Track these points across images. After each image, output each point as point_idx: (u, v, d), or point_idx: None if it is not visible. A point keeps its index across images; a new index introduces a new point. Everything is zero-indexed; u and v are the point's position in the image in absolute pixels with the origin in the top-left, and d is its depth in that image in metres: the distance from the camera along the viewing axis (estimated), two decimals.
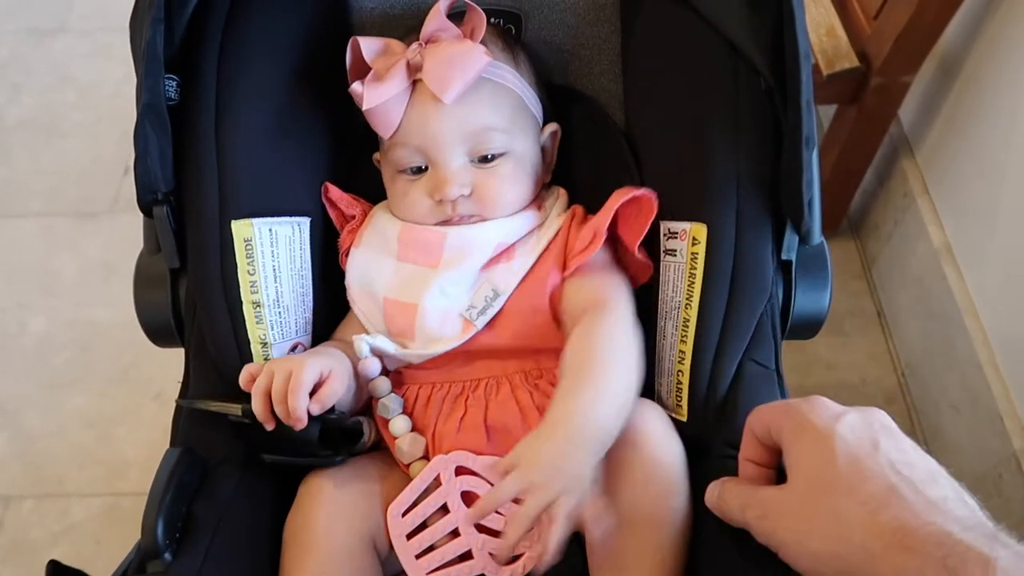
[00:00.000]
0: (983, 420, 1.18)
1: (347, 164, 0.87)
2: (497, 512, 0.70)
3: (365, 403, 0.79)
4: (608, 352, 0.69)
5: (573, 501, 0.60)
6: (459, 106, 0.75)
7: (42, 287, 1.66)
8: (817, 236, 0.70)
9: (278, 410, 0.67)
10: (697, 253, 0.70)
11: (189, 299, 0.75)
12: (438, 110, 0.75)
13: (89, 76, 1.94)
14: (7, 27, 2.10)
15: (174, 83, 0.74)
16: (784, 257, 0.70)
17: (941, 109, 1.32)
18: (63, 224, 1.71)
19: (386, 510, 0.73)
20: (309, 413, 0.68)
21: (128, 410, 1.50)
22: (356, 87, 0.76)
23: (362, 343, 0.75)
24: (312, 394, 0.68)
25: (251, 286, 0.73)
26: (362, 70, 0.77)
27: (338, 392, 0.69)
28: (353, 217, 0.84)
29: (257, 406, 0.67)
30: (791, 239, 0.70)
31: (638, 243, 0.74)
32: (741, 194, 0.69)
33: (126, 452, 1.47)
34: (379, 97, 0.75)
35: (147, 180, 0.71)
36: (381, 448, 0.78)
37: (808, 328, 0.72)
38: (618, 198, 0.74)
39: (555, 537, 0.59)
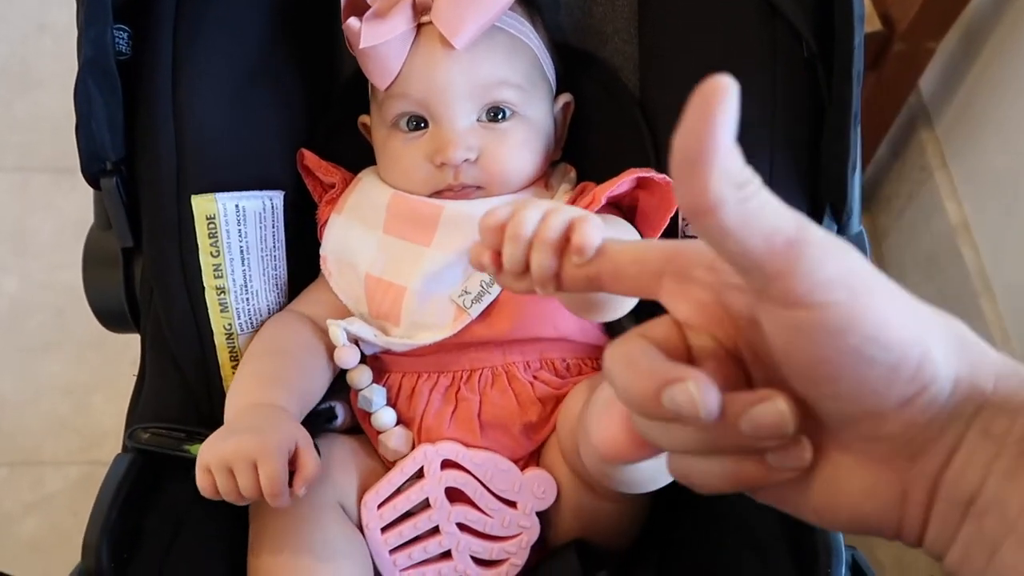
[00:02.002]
0: None
1: (327, 128, 0.75)
2: (483, 512, 0.61)
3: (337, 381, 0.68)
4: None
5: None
6: (471, 54, 0.64)
7: (16, 246, 1.55)
8: (857, 224, 0.60)
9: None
10: None
11: (145, 281, 0.64)
12: (447, 57, 0.63)
13: (67, 23, 1.79)
14: None
15: (125, 35, 0.62)
16: None
17: (964, 79, 1.21)
18: (38, 180, 1.58)
19: (360, 492, 0.64)
20: None
21: (105, 377, 1.41)
22: (352, 23, 0.63)
23: (338, 330, 0.64)
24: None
25: (214, 270, 0.62)
26: (358, 7, 0.65)
27: (317, 461, 0.56)
28: (332, 186, 0.72)
29: (232, 500, 0.54)
30: (828, 227, 0.59)
31: (658, 235, 0.63)
32: (774, 177, 0.59)
33: (103, 421, 1.38)
34: (379, 36, 0.62)
35: (92, 147, 0.60)
36: (358, 433, 0.68)
37: None
38: (630, 172, 0.63)
39: (584, 231, 0.36)
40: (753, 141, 0.59)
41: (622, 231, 0.61)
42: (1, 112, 1.69)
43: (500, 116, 0.66)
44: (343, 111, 0.75)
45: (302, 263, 0.70)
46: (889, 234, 1.40)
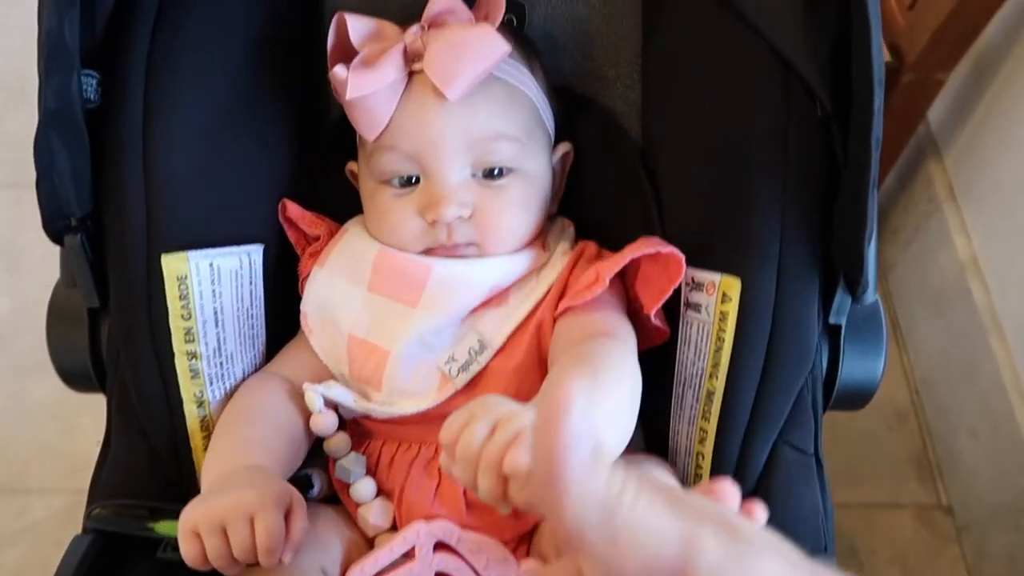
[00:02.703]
0: (1004, 449, 1.05)
1: (311, 176, 0.70)
2: None
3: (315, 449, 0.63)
4: (615, 362, 0.53)
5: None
6: (466, 105, 0.59)
7: (8, 264, 1.50)
8: (872, 294, 0.55)
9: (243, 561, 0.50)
10: (727, 312, 0.55)
11: (112, 343, 0.60)
12: (440, 108, 0.59)
13: None
14: None
15: (94, 81, 0.57)
16: (832, 321, 0.55)
17: (974, 111, 1.17)
18: (32, 197, 1.54)
19: (344, 565, 0.58)
20: None
21: (94, 400, 1.36)
22: (339, 71, 0.58)
23: (315, 395, 0.59)
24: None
25: (185, 334, 0.57)
26: (346, 54, 0.60)
27: (306, 524, 0.51)
28: (317, 238, 0.67)
29: (221, 566, 0.49)
30: (842, 300, 0.54)
31: (656, 307, 0.58)
32: (785, 243, 0.54)
33: (90, 446, 1.33)
34: (367, 86, 0.58)
35: (55, 204, 0.55)
36: (336, 503, 0.63)
37: (855, 401, 0.58)
38: (636, 248, 0.57)
39: (515, 457, 0.38)
40: (763, 203, 0.54)
41: (605, 385, 0.53)
42: None
43: (496, 173, 0.61)
44: (330, 154, 0.69)
45: (282, 319, 0.65)
46: (895, 266, 1.36)
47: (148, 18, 0.59)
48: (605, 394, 0.50)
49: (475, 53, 0.57)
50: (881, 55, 0.47)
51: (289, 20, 0.67)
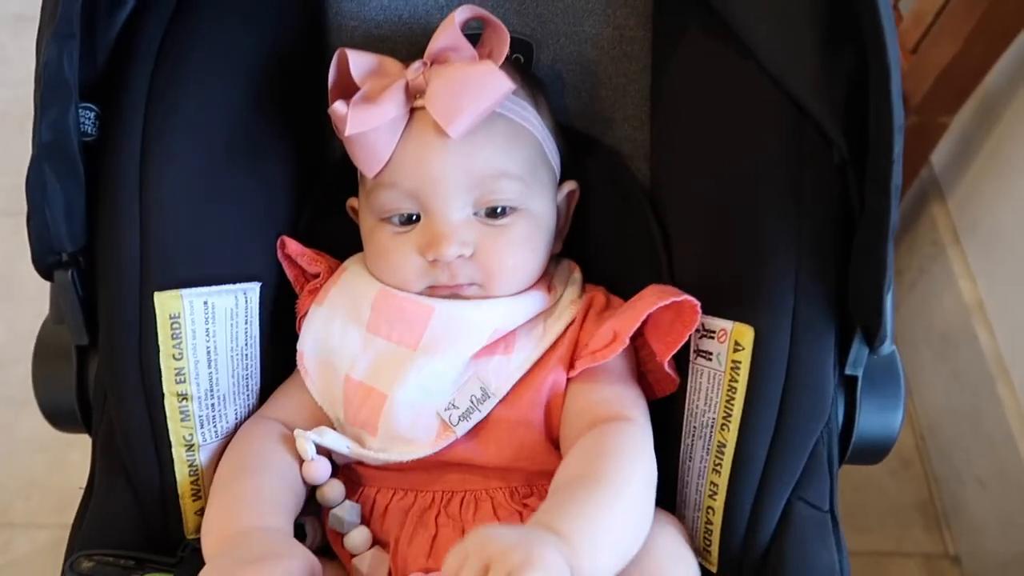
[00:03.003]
0: (1013, 498, 1.02)
1: (312, 214, 0.68)
2: None
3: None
4: (625, 460, 0.51)
5: None
6: (467, 143, 0.57)
7: (1, 293, 1.48)
8: (890, 344, 0.53)
9: None
10: (740, 362, 0.52)
11: (99, 382, 0.57)
12: (441, 146, 0.57)
13: None
14: None
15: (92, 114, 0.55)
16: (849, 372, 0.53)
17: (978, 154, 1.16)
18: None
19: None
20: None
21: (83, 435, 1.33)
22: (339, 107, 0.57)
23: (307, 443, 0.57)
24: None
25: (176, 374, 0.55)
26: (347, 90, 0.58)
27: None
28: (316, 276, 0.65)
29: None
30: (859, 351, 0.52)
31: (670, 355, 0.56)
32: (800, 292, 0.52)
33: (79, 480, 1.30)
34: (367, 122, 0.56)
35: (46, 239, 0.53)
36: (330, 555, 0.60)
37: (872, 456, 0.55)
38: (651, 301, 0.55)
39: None
40: (778, 250, 0.52)
41: (611, 509, 0.49)
42: None
43: (499, 212, 0.59)
44: (333, 192, 0.68)
45: (277, 359, 0.62)
46: (900, 308, 1.34)
47: (150, 52, 0.57)
48: (607, 511, 0.47)
49: (478, 90, 0.56)
50: (900, 100, 0.46)
51: (292, 57, 0.65)
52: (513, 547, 0.40)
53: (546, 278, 0.63)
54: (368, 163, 0.58)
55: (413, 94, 0.57)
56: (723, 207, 0.57)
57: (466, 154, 0.57)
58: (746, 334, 0.52)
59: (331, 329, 0.61)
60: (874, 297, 0.49)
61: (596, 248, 0.67)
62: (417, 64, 0.58)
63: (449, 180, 0.57)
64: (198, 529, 0.55)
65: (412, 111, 0.58)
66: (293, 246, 0.64)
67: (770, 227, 0.53)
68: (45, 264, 0.54)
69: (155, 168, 0.55)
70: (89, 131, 0.55)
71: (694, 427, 0.56)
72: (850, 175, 0.51)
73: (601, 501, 0.47)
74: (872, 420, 0.54)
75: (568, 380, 0.58)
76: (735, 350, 0.53)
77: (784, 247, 0.52)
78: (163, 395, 0.55)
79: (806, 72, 0.52)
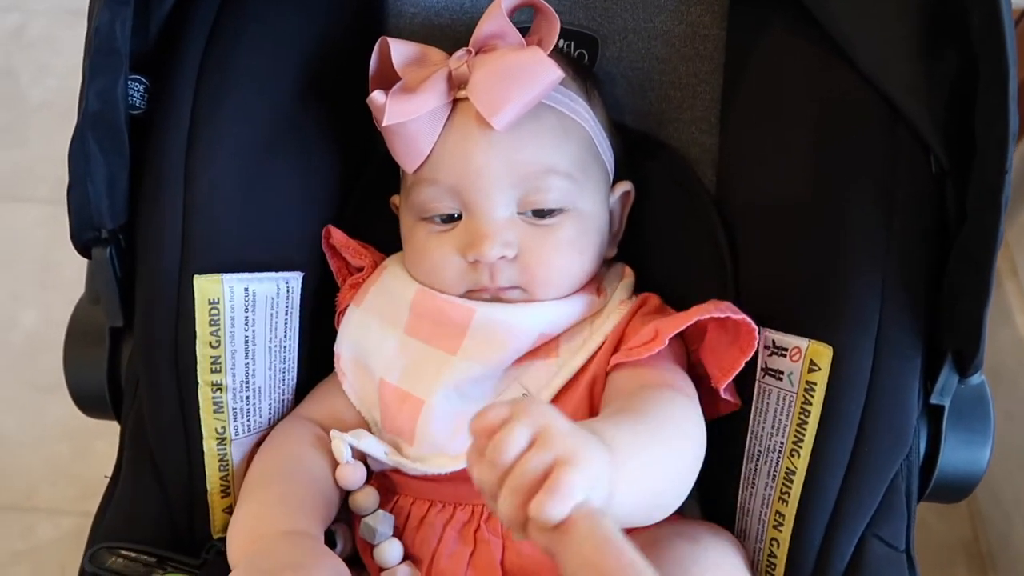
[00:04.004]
0: None
1: (358, 203, 0.64)
2: None
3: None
4: (666, 409, 0.47)
5: (582, 489, 0.34)
6: (513, 136, 0.53)
7: (39, 279, 1.48)
8: (979, 372, 0.48)
9: None
10: (815, 383, 0.47)
11: (132, 367, 0.53)
12: (484, 139, 0.53)
13: None
14: (43, 5, 1.92)
15: (141, 87, 0.52)
16: (934, 401, 0.48)
17: None
18: None
19: None
20: None
21: (111, 424, 1.32)
22: (377, 97, 0.53)
23: (342, 445, 0.53)
24: None
25: (212, 362, 0.51)
26: (388, 79, 0.54)
27: None
28: (360, 269, 0.61)
29: None
30: (948, 378, 0.47)
31: (727, 381, 0.51)
32: (885, 311, 0.47)
33: (105, 469, 1.28)
34: (406, 113, 0.52)
35: (86, 213, 0.50)
36: (360, 566, 0.56)
37: (955, 493, 0.50)
38: (704, 309, 0.51)
39: (545, 507, 0.33)
40: (863, 265, 0.48)
41: (654, 446, 0.45)
42: (41, 145, 1.64)
43: (546, 212, 0.55)
44: (378, 184, 0.64)
45: (317, 355, 0.59)
46: None
47: (204, 28, 0.54)
48: (654, 445, 0.44)
49: (524, 78, 0.51)
50: (1016, 105, 0.41)
51: (345, 45, 0.62)
52: (565, 434, 0.36)
53: (595, 280, 0.59)
54: (407, 157, 0.54)
55: (456, 84, 0.53)
56: (801, 215, 0.52)
57: (511, 148, 0.53)
58: (823, 354, 0.47)
59: (368, 330, 0.58)
60: (974, 318, 0.44)
61: (656, 255, 0.63)
62: (461, 52, 0.54)
63: (492, 175, 0.53)
64: (225, 528, 0.51)
65: (455, 102, 0.54)
66: (339, 236, 0.60)
67: (855, 237, 0.48)
68: (83, 240, 0.51)
69: (202, 148, 0.52)
70: (138, 104, 0.52)
71: (759, 451, 0.51)
72: (949, 186, 0.46)
73: (649, 436, 0.44)
74: (957, 454, 0.49)
75: (606, 373, 0.53)
76: (810, 370, 0.48)
77: (870, 260, 0.47)
78: (197, 384, 0.51)
79: (906, 76, 0.47)
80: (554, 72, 0.52)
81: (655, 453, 0.43)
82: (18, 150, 1.64)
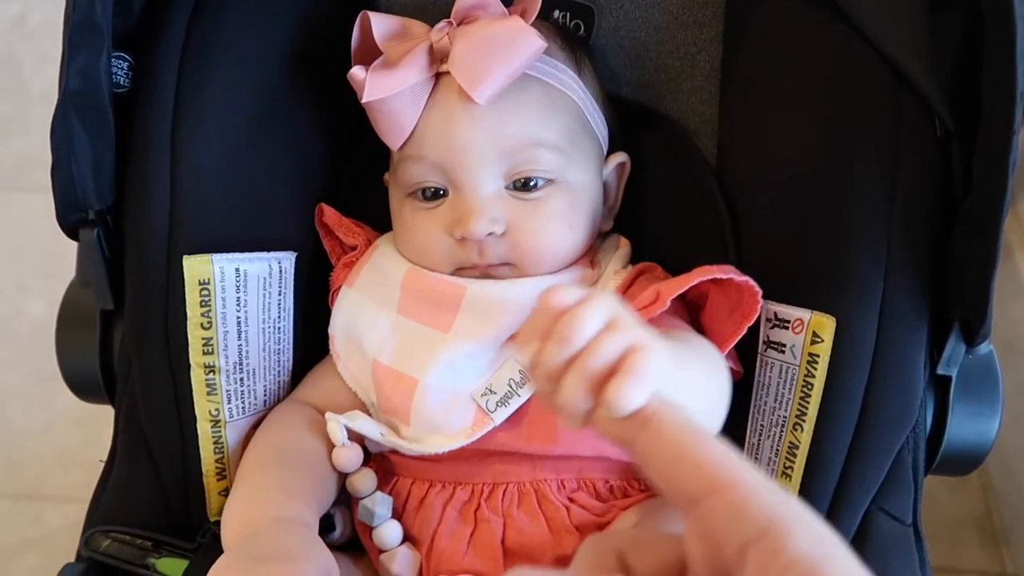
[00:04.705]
0: None
1: (354, 180, 0.63)
2: None
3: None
4: (693, 343, 0.48)
5: (656, 379, 0.32)
6: (497, 109, 0.51)
7: (45, 269, 1.48)
8: (988, 342, 0.46)
9: None
10: (818, 355, 0.46)
11: (125, 350, 0.53)
12: (468, 113, 0.52)
13: None
14: None
15: (125, 64, 0.51)
16: (941, 372, 0.46)
17: None
18: None
19: None
20: None
21: None
22: (357, 72, 0.52)
23: (337, 427, 0.52)
24: None
25: (204, 344, 0.50)
26: (370, 54, 0.53)
27: None
28: (354, 248, 0.60)
29: None
30: (955, 348, 0.46)
31: (729, 346, 0.50)
32: (890, 281, 0.46)
33: None
34: (386, 89, 0.51)
35: (71, 194, 0.49)
36: (360, 549, 0.55)
37: (962, 466, 0.49)
38: (707, 271, 0.49)
39: (624, 391, 0.31)
40: (866, 233, 0.46)
41: (696, 367, 0.45)
42: (45, 135, 1.64)
43: (532, 185, 0.54)
44: (375, 159, 0.63)
45: (312, 336, 0.58)
46: None
47: (187, 2, 0.53)
48: (692, 361, 0.45)
49: (505, 49, 0.50)
50: None
51: (333, 19, 0.60)
52: (638, 324, 0.34)
53: (589, 253, 0.57)
54: (391, 134, 0.53)
55: (438, 57, 0.52)
56: (803, 185, 0.50)
57: (495, 121, 0.52)
58: (826, 325, 0.46)
59: (361, 311, 0.57)
60: (981, 287, 0.42)
61: (655, 228, 0.61)
62: (442, 24, 0.52)
63: (476, 150, 0.52)
64: (221, 511, 0.50)
65: (438, 76, 0.52)
66: (331, 215, 0.59)
67: (858, 206, 0.47)
68: (70, 221, 0.50)
69: (188, 126, 0.51)
70: (122, 82, 0.51)
71: (761, 425, 0.50)
72: (955, 150, 0.44)
73: (690, 355, 0.45)
74: (965, 426, 0.48)
75: None
76: (813, 342, 0.47)
77: (873, 228, 0.46)
78: (189, 366, 0.50)
79: (909, 36, 0.45)
80: (536, 42, 0.50)
81: (700, 371, 0.44)
82: (21, 140, 1.63)
